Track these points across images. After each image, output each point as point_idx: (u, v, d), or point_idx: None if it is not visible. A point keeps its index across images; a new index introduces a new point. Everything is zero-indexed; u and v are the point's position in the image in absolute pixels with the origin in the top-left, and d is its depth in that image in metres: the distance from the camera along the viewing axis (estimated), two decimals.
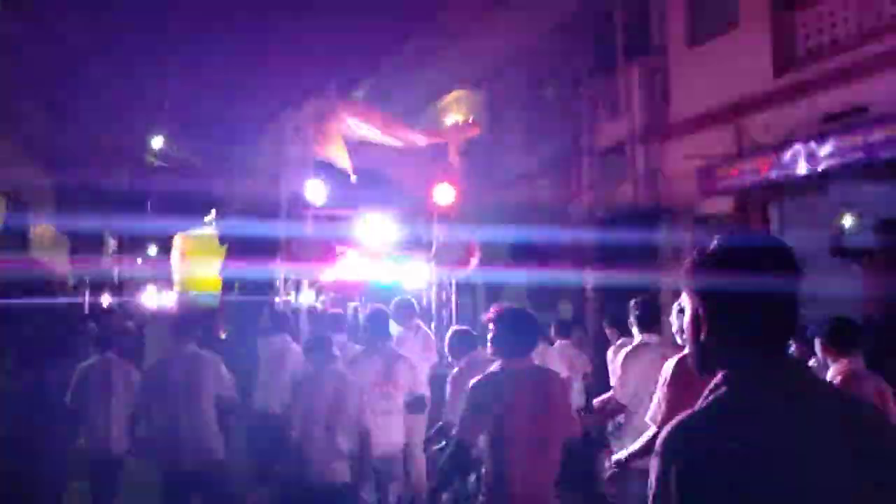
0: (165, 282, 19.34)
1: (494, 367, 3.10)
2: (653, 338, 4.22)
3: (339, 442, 3.88)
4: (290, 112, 7.17)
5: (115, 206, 18.18)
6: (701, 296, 1.36)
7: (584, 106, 10.45)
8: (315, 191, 7.00)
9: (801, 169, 6.58)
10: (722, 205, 8.03)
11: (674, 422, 1.35)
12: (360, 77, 14.28)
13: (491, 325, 3.18)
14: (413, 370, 4.62)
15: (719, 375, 1.34)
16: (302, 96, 7.22)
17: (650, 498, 1.32)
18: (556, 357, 5.85)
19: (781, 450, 1.23)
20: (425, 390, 4.80)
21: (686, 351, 3.68)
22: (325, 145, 6.56)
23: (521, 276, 10.01)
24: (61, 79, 14.63)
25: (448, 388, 4.21)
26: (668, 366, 3.40)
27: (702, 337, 1.36)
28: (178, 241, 19.09)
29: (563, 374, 4.99)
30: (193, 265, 17.76)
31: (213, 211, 16.74)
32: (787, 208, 7.69)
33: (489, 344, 3.19)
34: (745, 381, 1.30)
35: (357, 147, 6.91)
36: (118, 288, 19.23)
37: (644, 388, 3.86)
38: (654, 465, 1.32)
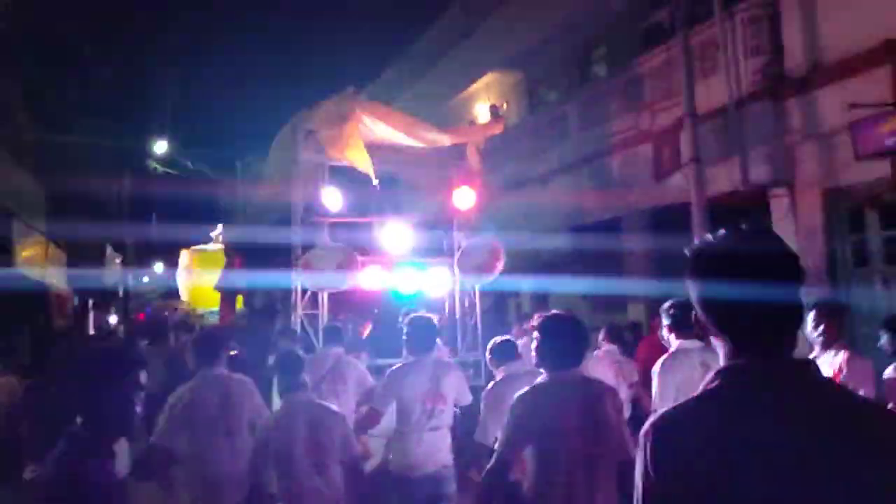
0: (175, 300, 19.63)
1: (540, 379, 3.11)
2: (693, 343, 4.22)
3: (331, 479, 3.73)
4: (303, 114, 7.27)
5: (115, 216, 18.31)
6: (699, 292, 1.44)
7: (658, 73, 9.37)
8: (330, 198, 7.12)
9: None
10: (871, 172, 6.73)
11: (657, 415, 1.43)
12: (373, 73, 14.27)
13: (535, 335, 3.16)
14: (461, 381, 4.67)
15: (713, 371, 1.41)
16: (315, 97, 7.34)
17: (637, 495, 1.38)
18: (603, 363, 5.89)
19: (763, 448, 1.27)
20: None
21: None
22: (343, 149, 6.65)
23: (568, 282, 9.78)
24: (53, 77, 14.67)
25: (482, 405, 4.17)
26: (660, 361, 3.42)
27: (704, 331, 1.45)
28: (184, 257, 19.42)
29: (610, 381, 5.04)
30: (200, 281, 18.05)
31: (220, 226, 16.93)
32: None
33: (534, 354, 3.20)
34: (736, 379, 1.36)
35: (371, 151, 7.00)
36: (124, 305, 19.47)
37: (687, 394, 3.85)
38: (637, 459, 1.39)
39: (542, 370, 3.14)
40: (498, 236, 7.84)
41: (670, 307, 4.36)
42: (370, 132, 6.97)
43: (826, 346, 4.17)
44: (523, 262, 10.42)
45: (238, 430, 4.12)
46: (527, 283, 11.26)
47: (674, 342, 4.33)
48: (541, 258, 10.74)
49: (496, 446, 3.09)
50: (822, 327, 4.13)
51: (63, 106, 15.28)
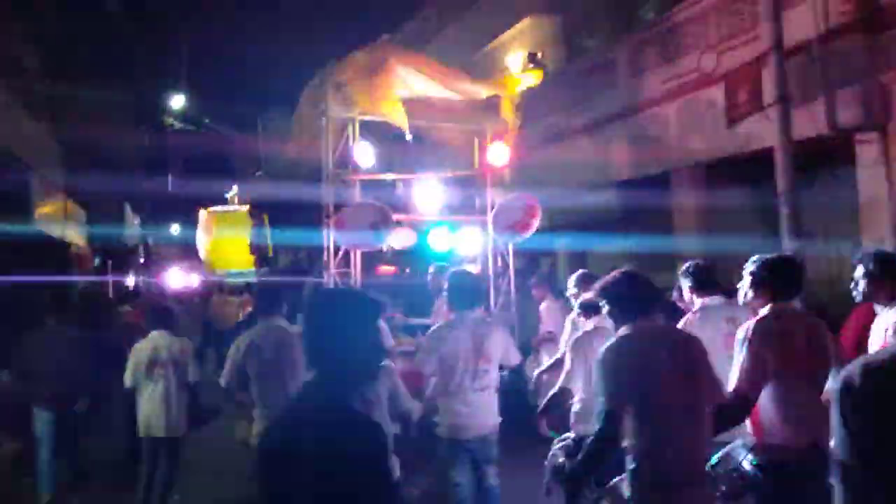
0: (193, 260, 19.88)
1: (623, 330, 3.08)
2: (715, 300, 4.30)
3: None
4: (333, 66, 7.23)
5: (132, 172, 18.35)
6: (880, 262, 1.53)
7: (727, 6, 8.58)
8: (362, 153, 7.14)
9: None
10: None
11: (858, 364, 1.46)
12: (396, 21, 13.97)
13: (607, 291, 3.20)
14: (507, 340, 4.64)
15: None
16: (333, 48, 7.27)
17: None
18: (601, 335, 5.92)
19: None
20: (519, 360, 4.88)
21: (763, 312, 3.54)
22: (375, 102, 6.64)
23: (610, 240, 9.60)
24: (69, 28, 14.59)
25: (567, 355, 4.44)
26: (746, 328, 3.34)
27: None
28: (203, 217, 19.59)
29: None
30: (221, 242, 18.23)
31: (235, 187, 16.97)
32: None
33: (607, 311, 3.21)
34: None
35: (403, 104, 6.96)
36: (144, 267, 19.73)
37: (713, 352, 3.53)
38: (838, 410, 1.43)
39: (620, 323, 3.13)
40: (534, 193, 7.81)
41: (689, 267, 4.42)
42: (403, 83, 6.93)
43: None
44: (562, 220, 10.33)
45: (293, 379, 4.42)
46: (565, 242, 11.19)
47: (697, 301, 4.35)
48: (581, 215, 10.63)
49: (600, 407, 2.98)
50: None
51: (78, 58, 15.27)
